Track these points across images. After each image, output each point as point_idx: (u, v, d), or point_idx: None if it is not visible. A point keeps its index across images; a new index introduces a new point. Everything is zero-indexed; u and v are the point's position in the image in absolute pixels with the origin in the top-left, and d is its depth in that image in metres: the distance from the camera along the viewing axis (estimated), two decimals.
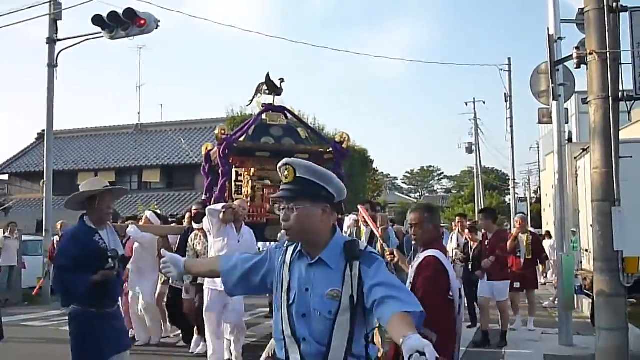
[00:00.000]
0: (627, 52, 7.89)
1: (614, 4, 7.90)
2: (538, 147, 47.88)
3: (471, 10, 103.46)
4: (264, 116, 9.98)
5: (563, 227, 9.87)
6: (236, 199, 8.79)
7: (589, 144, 8.46)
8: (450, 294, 4.10)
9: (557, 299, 14.38)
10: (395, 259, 5.52)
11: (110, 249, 4.89)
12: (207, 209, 7.90)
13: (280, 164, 2.76)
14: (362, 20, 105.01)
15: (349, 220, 10.33)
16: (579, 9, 9.11)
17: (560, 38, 9.66)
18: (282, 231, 2.84)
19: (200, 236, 8.60)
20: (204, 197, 9.93)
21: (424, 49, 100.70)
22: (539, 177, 46.07)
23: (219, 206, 7.79)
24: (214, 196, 9.22)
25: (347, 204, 9.40)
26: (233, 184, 9.34)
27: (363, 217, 8.31)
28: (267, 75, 9.96)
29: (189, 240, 8.77)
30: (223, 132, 9.33)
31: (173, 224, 10.90)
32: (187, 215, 9.68)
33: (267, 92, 10.00)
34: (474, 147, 41.76)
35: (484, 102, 44.02)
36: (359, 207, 8.24)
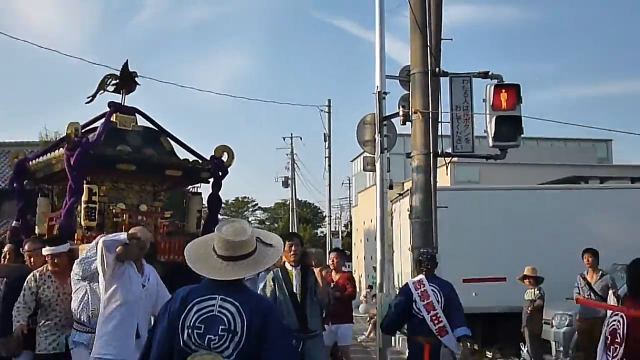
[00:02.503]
0: (446, 113, 8.71)
1: (437, 69, 8.73)
2: (350, 184, 50.18)
3: (296, 47, 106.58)
4: (113, 119, 7.98)
5: (383, 270, 10.46)
6: (87, 227, 7.18)
7: (407, 190, 9.12)
8: None
9: (371, 334, 15.22)
10: None
11: None
12: (102, 240, 5.23)
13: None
14: (188, 46, 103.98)
15: None
16: (405, 67, 9.84)
17: (385, 93, 10.34)
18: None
19: (48, 277, 6.02)
20: (14, 223, 8.21)
21: (248, 80, 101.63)
22: (350, 212, 48.23)
23: (122, 235, 5.32)
24: (60, 223, 7.20)
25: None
26: (84, 205, 7.23)
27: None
28: (126, 64, 8.07)
29: (28, 283, 5.96)
30: (76, 132, 7.17)
31: None
32: (7, 248, 7.37)
33: (115, 87, 8.11)
34: (289, 182, 42.83)
35: (301, 138, 45.44)
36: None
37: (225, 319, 3.05)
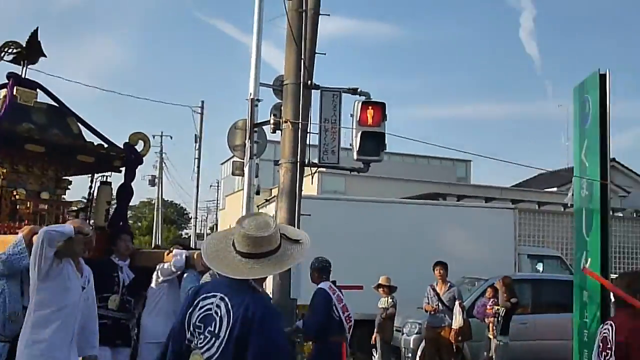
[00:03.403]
0: (315, 124, 9.03)
1: (309, 82, 9.04)
2: (218, 186, 49.91)
3: (171, 43, 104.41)
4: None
5: None
6: None
7: (274, 196, 9.35)
8: None
9: None
10: None
11: None
12: (44, 231, 4.47)
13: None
14: (56, 32, 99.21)
15: None
16: (278, 76, 10.10)
17: (258, 100, 10.54)
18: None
19: None
20: None
21: (118, 72, 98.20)
22: (217, 215, 47.99)
23: (67, 228, 4.56)
24: None
25: None
26: None
27: None
28: (36, 32, 7.06)
29: None
30: None
31: None
32: None
33: (16, 57, 7.02)
34: (157, 180, 42.03)
35: (171, 137, 44.71)
36: None
37: (215, 320, 2.87)
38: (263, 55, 9.82)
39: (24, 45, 7.01)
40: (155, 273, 6.50)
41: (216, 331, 2.83)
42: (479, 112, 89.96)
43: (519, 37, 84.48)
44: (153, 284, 6.54)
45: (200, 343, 2.87)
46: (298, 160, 8.85)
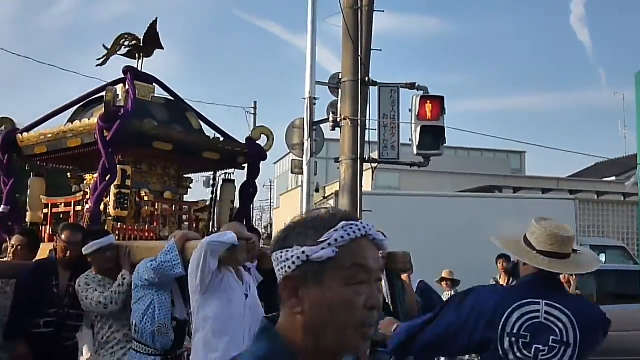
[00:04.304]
0: (374, 121, 9.11)
1: (367, 78, 9.12)
2: (271, 186, 50.33)
3: (222, 47, 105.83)
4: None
5: None
6: (117, 217, 5.82)
7: (331, 194, 9.44)
8: None
9: None
10: None
11: None
12: (207, 241, 4.09)
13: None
14: (106, 41, 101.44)
15: None
16: (334, 74, 10.20)
17: (316, 99, 10.67)
18: None
19: (100, 280, 4.89)
20: (2, 208, 6.50)
21: (169, 78, 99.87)
22: (271, 214, 48.45)
23: (228, 235, 4.13)
24: (90, 210, 5.73)
25: None
26: (115, 190, 5.80)
27: None
28: (155, 22, 6.66)
29: (79, 286, 4.83)
30: (115, 99, 5.82)
31: None
32: (18, 241, 5.72)
33: (130, 50, 6.66)
34: (211, 182, 42.61)
35: None
36: None
37: (555, 329, 2.79)
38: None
39: (142, 38, 6.64)
40: None
41: (564, 339, 2.77)
42: (530, 103, 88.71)
43: (570, 25, 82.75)
44: None
45: (543, 355, 2.77)
46: (358, 156, 8.94)
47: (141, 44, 6.59)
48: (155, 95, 6.66)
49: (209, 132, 6.93)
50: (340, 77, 9.67)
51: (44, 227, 6.34)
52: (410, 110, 9.04)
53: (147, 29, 6.60)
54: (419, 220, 13.15)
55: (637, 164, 7.23)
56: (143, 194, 6.12)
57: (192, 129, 6.67)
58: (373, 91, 9.35)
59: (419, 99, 9.01)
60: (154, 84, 6.62)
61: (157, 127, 6.03)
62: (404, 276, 5.78)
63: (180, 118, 6.62)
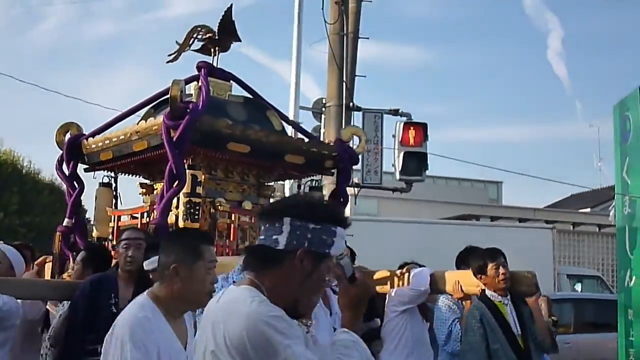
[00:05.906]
0: None
1: (351, 103, 9.26)
2: None
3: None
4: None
5: None
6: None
7: None
8: None
9: None
10: None
11: None
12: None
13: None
14: (90, 61, 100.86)
15: None
16: (318, 99, 10.33)
17: (299, 123, 10.78)
18: None
19: None
20: (65, 221, 5.81)
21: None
22: None
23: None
24: (156, 222, 4.95)
25: None
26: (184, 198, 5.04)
27: None
28: (229, 9, 5.88)
29: None
30: (182, 95, 5.05)
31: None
32: (82, 257, 5.04)
33: (205, 44, 5.97)
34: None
35: None
36: None
37: None
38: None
39: (216, 29, 5.93)
40: (388, 300, 5.34)
41: None
42: (506, 135, 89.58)
43: (547, 59, 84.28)
44: (390, 314, 5.35)
45: None
46: None
47: (216, 37, 5.92)
48: (232, 93, 5.99)
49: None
50: (324, 102, 9.80)
51: (110, 242, 5.69)
52: (394, 136, 9.18)
53: (221, 18, 5.88)
54: (398, 245, 13.15)
55: (615, 193, 7.39)
56: (218, 204, 5.38)
57: (274, 129, 5.89)
58: (357, 116, 9.49)
59: (402, 125, 9.15)
60: (231, 82, 5.93)
61: (231, 126, 5.29)
62: (530, 300, 4.93)
63: (259, 117, 5.90)
